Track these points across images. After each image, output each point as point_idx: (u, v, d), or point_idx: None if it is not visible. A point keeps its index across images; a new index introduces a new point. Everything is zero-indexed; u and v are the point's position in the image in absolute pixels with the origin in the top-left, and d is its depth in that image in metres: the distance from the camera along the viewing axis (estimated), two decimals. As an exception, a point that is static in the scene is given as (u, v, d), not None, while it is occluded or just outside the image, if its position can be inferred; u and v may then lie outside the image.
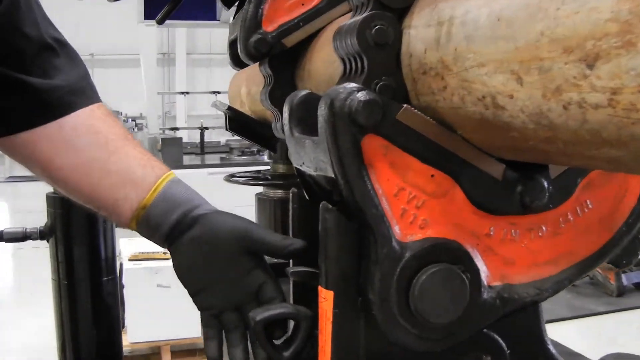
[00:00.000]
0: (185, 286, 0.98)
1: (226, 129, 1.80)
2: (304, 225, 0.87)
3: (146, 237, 1.03)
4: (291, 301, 0.91)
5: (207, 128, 9.52)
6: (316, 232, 0.88)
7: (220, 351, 0.96)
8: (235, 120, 1.76)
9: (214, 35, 12.74)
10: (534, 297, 0.77)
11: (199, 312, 3.43)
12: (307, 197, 0.88)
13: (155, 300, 3.51)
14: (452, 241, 0.73)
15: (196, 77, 13.07)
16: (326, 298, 0.74)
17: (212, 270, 0.95)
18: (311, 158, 0.79)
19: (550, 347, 0.84)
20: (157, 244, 1.02)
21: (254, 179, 1.88)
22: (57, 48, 1.06)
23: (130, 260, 3.71)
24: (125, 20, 7.75)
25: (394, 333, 0.71)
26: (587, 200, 0.80)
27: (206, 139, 9.40)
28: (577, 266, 0.80)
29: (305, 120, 0.86)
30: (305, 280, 0.83)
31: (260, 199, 1.84)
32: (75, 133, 1.02)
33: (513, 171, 0.75)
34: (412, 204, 0.73)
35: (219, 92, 11.14)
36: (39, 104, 1.01)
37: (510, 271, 0.78)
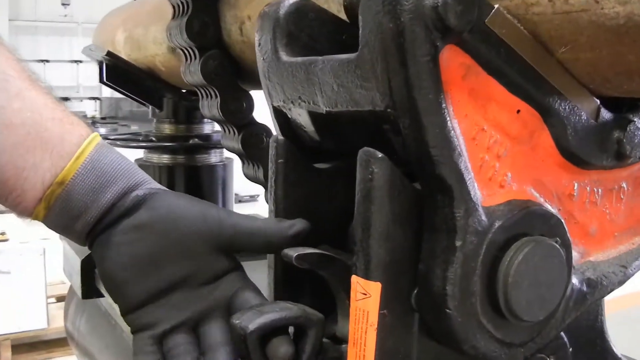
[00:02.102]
0: (117, 298, 0.65)
1: (101, 81, 1.47)
2: (295, 189, 0.62)
3: (57, 230, 0.68)
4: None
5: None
6: (310, 200, 0.63)
7: None
8: (116, 70, 1.43)
9: (40, 1, 11.66)
10: (621, 278, 0.58)
11: (44, 300, 2.93)
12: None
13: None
14: (540, 205, 0.52)
15: (20, 45, 11.89)
16: (368, 293, 0.50)
17: (164, 275, 0.63)
18: (328, 88, 0.54)
19: (612, 344, 0.66)
20: (75, 239, 0.68)
21: (134, 141, 1.56)
22: None
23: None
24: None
25: (473, 340, 0.49)
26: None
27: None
28: (659, 236, 0.62)
29: (296, 39, 0.61)
30: (319, 269, 0.57)
31: (143, 166, 1.52)
32: None
33: (608, 111, 0.55)
34: (493, 151, 0.50)
35: (47, 61, 10.24)
36: None
37: (591, 245, 0.58)
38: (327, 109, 0.55)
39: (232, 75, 1.02)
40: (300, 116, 0.61)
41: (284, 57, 0.60)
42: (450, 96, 0.47)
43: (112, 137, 1.61)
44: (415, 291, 0.51)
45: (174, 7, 1.05)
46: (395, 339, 0.50)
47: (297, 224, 0.61)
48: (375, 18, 0.46)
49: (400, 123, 0.47)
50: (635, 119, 0.56)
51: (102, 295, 1.34)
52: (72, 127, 0.66)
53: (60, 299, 3.20)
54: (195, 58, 1.02)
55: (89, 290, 1.35)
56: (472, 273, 0.48)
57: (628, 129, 0.55)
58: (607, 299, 0.63)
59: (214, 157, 1.54)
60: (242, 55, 0.99)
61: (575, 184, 0.56)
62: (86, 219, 0.65)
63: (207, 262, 0.64)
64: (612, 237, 0.60)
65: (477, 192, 0.48)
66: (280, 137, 0.61)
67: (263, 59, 0.62)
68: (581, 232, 0.57)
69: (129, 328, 1.27)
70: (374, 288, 0.49)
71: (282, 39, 0.60)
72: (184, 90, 1.46)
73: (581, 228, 0.57)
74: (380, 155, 0.48)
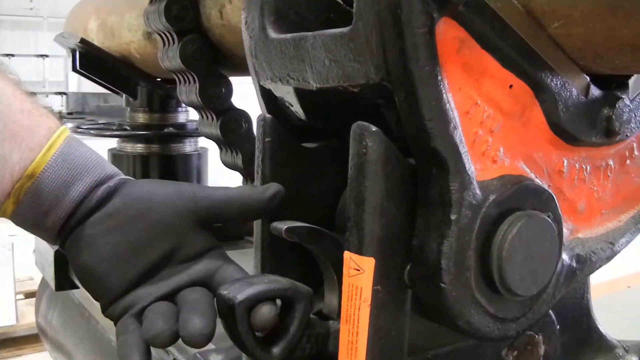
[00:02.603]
0: (97, 293, 0.63)
1: (74, 70, 1.44)
2: (283, 168, 0.61)
3: (26, 226, 0.64)
4: None
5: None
6: (298, 180, 0.63)
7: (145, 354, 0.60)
8: (89, 58, 1.41)
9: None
10: (609, 254, 0.59)
11: (13, 296, 2.85)
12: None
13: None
14: (532, 181, 0.52)
15: (-17, 39, 11.66)
16: (362, 269, 0.49)
17: (144, 260, 0.62)
18: (319, 63, 0.53)
19: (598, 324, 0.66)
20: (46, 236, 0.64)
21: (108, 130, 1.53)
22: None
23: None
24: None
25: (467, 315, 0.49)
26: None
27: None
28: (644, 213, 0.63)
29: (284, 16, 0.60)
30: (308, 242, 0.56)
31: (116, 155, 1.50)
32: None
33: (597, 88, 0.55)
34: (486, 126, 0.50)
35: (12, 55, 10.06)
36: None
37: (579, 222, 0.59)
38: (318, 85, 0.54)
39: (211, 60, 1.01)
40: (288, 94, 0.60)
41: (272, 34, 0.59)
42: (445, 69, 0.47)
43: (86, 127, 1.59)
44: (409, 267, 0.50)
45: (151, -9, 1.03)
46: (388, 315, 0.50)
47: (272, 186, 0.60)
48: (371, -11, 0.46)
49: (396, 96, 0.47)
50: (623, 97, 0.56)
51: (76, 287, 1.32)
52: (41, 119, 0.64)
53: (28, 295, 3.14)
54: (173, 43, 1.01)
55: (63, 281, 1.33)
56: (467, 247, 0.48)
57: (617, 105, 0.55)
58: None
59: (188, 146, 1.52)
60: (222, 40, 0.98)
61: (565, 161, 0.56)
62: (57, 213, 0.63)
63: (186, 240, 0.62)
64: (599, 215, 0.60)
65: (471, 166, 0.48)
66: (268, 115, 0.60)
67: (250, 37, 0.61)
68: (570, 209, 0.57)
69: (104, 319, 1.23)
70: (368, 263, 0.49)
71: (269, 16, 0.59)
72: (158, 79, 1.44)
73: (570, 205, 0.57)
74: (374, 128, 0.47)
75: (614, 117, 0.55)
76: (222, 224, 0.65)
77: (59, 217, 0.63)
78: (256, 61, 0.62)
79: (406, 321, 0.51)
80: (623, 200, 0.62)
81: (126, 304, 0.62)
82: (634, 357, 0.67)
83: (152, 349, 0.95)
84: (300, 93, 0.59)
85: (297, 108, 0.61)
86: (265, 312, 0.54)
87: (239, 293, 0.54)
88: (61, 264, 1.32)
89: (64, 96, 9.62)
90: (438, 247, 0.48)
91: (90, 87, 1.65)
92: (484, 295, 0.49)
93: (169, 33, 1.01)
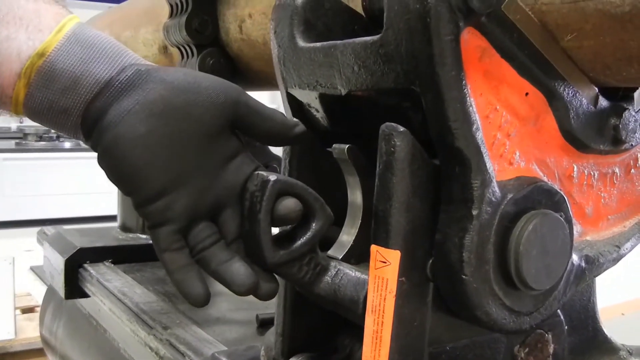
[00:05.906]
0: (136, 185, 0.58)
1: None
2: (308, 171, 0.64)
3: (41, 115, 0.60)
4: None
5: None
6: (321, 182, 0.66)
7: (204, 282, 0.60)
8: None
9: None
10: (615, 256, 0.62)
11: (13, 310, 2.82)
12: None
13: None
14: (546, 182, 0.55)
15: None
16: (388, 261, 0.52)
17: (185, 156, 0.58)
18: (349, 69, 0.57)
19: (603, 327, 0.69)
20: (63, 122, 0.60)
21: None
22: None
23: None
24: None
25: (486, 306, 0.52)
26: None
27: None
28: (648, 220, 0.66)
29: (313, 27, 0.64)
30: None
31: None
32: None
33: (605, 99, 0.59)
34: (504, 130, 0.54)
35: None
36: None
37: (587, 225, 0.62)
38: (346, 90, 0.58)
39: (228, 73, 1.05)
40: (315, 100, 0.64)
41: (301, 43, 0.63)
42: (468, 75, 0.51)
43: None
44: (431, 261, 0.53)
45: (172, 6, 1.07)
46: (412, 307, 0.53)
47: (300, 126, 0.63)
48: (401, 1, 0.50)
49: (423, 99, 0.50)
50: (629, 107, 0.60)
51: (85, 295, 1.34)
52: (49, 5, 0.60)
53: (25, 310, 3.14)
54: (192, 55, 1.04)
55: (72, 290, 1.35)
56: (487, 241, 0.51)
57: (623, 115, 0.59)
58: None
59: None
60: (240, 53, 1.02)
61: (575, 166, 0.60)
62: (78, 91, 0.58)
63: (222, 141, 0.60)
64: (605, 220, 0.63)
65: (491, 165, 0.51)
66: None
67: (279, 45, 0.65)
68: (579, 213, 0.61)
69: (112, 326, 1.25)
70: (394, 256, 0.52)
71: (299, 26, 0.63)
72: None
73: (579, 208, 0.61)
74: (402, 129, 0.51)
75: (620, 126, 0.59)
76: (246, 135, 0.63)
77: (81, 95, 0.58)
78: (284, 68, 0.65)
79: (428, 313, 0.54)
80: (627, 207, 0.65)
81: (166, 216, 0.58)
82: (638, 359, 0.70)
83: (166, 351, 0.97)
84: (327, 99, 0.62)
85: (322, 114, 0.65)
86: (292, 203, 0.57)
87: (275, 177, 0.57)
88: (72, 273, 1.34)
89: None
90: (460, 240, 0.51)
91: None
92: (501, 289, 0.52)
93: (188, 46, 1.05)
